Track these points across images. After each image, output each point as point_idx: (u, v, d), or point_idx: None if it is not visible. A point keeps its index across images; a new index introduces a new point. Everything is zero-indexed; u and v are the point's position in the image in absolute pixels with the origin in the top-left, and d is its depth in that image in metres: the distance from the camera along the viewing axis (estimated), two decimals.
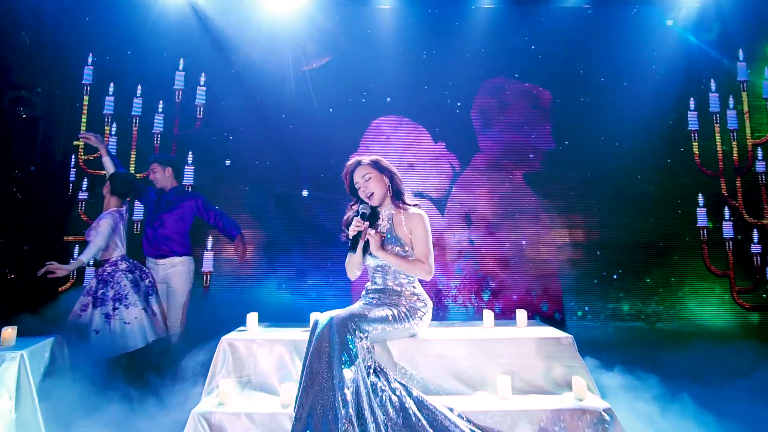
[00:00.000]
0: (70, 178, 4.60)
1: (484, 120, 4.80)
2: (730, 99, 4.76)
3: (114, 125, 4.67)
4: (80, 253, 3.30)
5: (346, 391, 1.68)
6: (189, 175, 4.61)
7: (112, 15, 4.70)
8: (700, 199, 4.59)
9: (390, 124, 4.81)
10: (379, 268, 2.25)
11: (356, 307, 2.09)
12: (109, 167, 3.50)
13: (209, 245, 4.52)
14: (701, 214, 4.57)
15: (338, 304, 4.38)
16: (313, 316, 2.01)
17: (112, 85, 4.68)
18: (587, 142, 4.69)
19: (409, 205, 2.32)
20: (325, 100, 4.76)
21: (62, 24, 4.59)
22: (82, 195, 4.53)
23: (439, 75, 4.82)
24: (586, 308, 4.50)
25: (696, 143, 4.71)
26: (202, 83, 4.79)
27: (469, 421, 1.84)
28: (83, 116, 4.70)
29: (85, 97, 4.70)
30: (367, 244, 2.19)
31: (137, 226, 4.52)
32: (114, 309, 2.94)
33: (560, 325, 4.42)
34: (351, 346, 1.79)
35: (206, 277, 4.48)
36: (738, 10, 4.72)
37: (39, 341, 2.18)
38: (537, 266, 4.56)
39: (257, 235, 4.66)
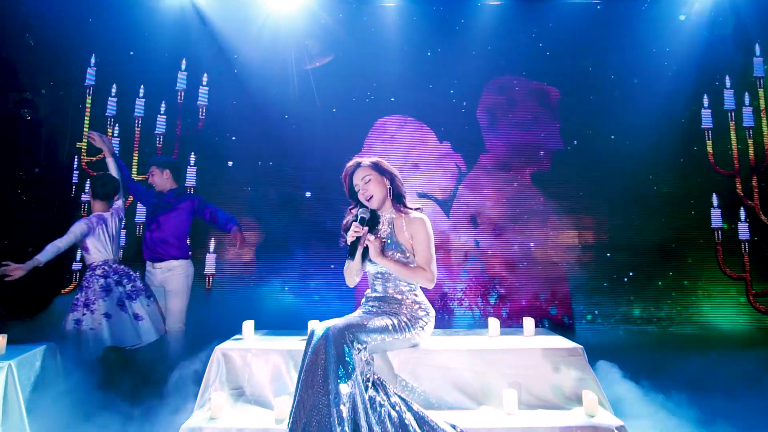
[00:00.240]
0: (73, 180, 4.58)
1: (491, 119, 4.70)
2: (746, 95, 4.60)
3: (117, 127, 4.64)
4: (81, 255, 3.31)
5: (342, 407, 1.60)
6: (191, 177, 4.58)
7: (114, 16, 4.68)
8: (715, 200, 4.45)
9: (394, 123, 4.73)
10: (379, 275, 2.17)
11: (355, 316, 2.01)
12: (113, 168, 3.47)
13: (212, 247, 4.48)
14: (716, 214, 4.43)
15: (341, 306, 4.37)
16: (311, 325, 1.94)
17: (114, 86, 4.65)
18: (597, 141, 4.57)
19: (411, 209, 2.23)
20: (328, 100, 4.69)
21: (66, 26, 4.58)
22: (85, 197, 4.50)
23: (444, 73, 4.72)
24: (596, 312, 4.38)
25: (710, 141, 4.57)
26: (204, 83, 4.75)
27: None
28: (86, 118, 4.68)
29: (88, 99, 4.69)
30: (366, 250, 2.10)
31: (140, 228, 4.49)
32: (83, 314, 2.94)
33: (569, 329, 4.31)
34: (348, 358, 1.70)
35: (208, 280, 4.43)
36: (754, 4, 4.56)
37: (30, 349, 2.13)
38: (545, 269, 4.45)
39: (260, 236, 4.61)
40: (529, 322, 2.33)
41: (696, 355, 3.57)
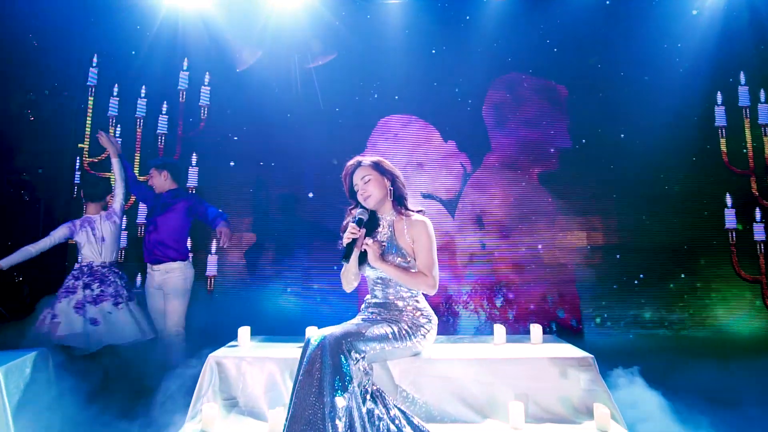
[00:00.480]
0: (75, 181, 4.55)
1: (497, 118, 4.60)
2: (762, 92, 4.45)
3: (118, 127, 4.61)
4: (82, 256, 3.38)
5: (338, 422, 1.52)
6: (193, 177, 4.54)
7: (116, 15, 4.64)
8: (729, 200, 4.31)
9: (398, 122, 4.65)
10: (379, 280, 2.09)
11: (353, 323, 1.93)
12: (117, 170, 3.45)
13: (213, 249, 4.43)
14: (730, 215, 4.29)
15: (344, 308, 4.30)
16: (308, 332, 1.86)
17: (116, 86, 4.62)
18: (606, 139, 4.44)
19: (413, 211, 2.14)
20: (331, 99, 4.63)
21: (69, 26, 4.56)
22: None
23: (449, 71, 4.63)
24: (605, 315, 4.27)
25: (724, 140, 4.43)
26: (206, 83, 4.70)
27: None
28: (88, 118, 4.65)
29: (90, 99, 4.66)
30: (364, 254, 2.02)
31: (141, 230, 4.46)
32: (47, 314, 3.02)
33: (577, 332, 4.21)
34: (345, 369, 1.62)
35: (210, 281, 4.38)
36: None
37: (20, 356, 2.06)
38: (553, 271, 4.35)
39: (262, 237, 4.57)
40: (536, 329, 2.24)
41: (709, 360, 3.47)
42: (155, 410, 2.04)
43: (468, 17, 4.67)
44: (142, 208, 4.44)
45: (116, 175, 3.50)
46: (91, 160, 4.57)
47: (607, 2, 4.61)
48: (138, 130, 4.63)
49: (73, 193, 4.55)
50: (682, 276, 4.28)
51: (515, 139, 4.55)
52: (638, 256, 4.29)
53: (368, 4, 4.69)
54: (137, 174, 4.50)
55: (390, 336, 1.87)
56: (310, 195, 4.57)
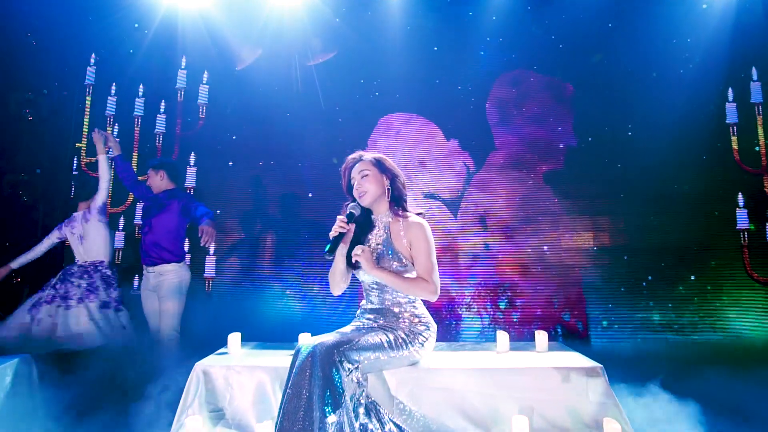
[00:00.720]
0: (73, 181, 4.51)
1: (501, 116, 4.50)
2: None
3: (116, 126, 4.56)
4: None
5: None
6: (191, 177, 4.47)
7: (114, 13, 4.58)
8: (740, 199, 4.17)
9: (399, 121, 4.56)
10: (374, 285, 1.99)
11: (347, 331, 1.83)
12: (103, 167, 3.42)
13: (211, 249, 4.36)
14: (741, 215, 4.14)
15: (344, 311, 4.21)
16: (301, 339, 1.77)
17: (114, 85, 4.57)
18: (613, 137, 4.32)
19: (410, 213, 2.05)
20: (331, 98, 4.55)
21: (68, 25, 4.52)
22: None
23: (451, 69, 4.53)
24: (612, 318, 4.16)
25: (735, 137, 4.29)
26: (204, 81, 4.63)
27: None
28: (85, 117, 4.61)
29: (88, 98, 4.61)
30: (350, 259, 1.93)
31: (138, 230, 4.40)
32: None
33: (583, 336, 4.10)
34: (337, 382, 1.53)
35: (208, 283, 4.32)
36: None
37: (1, 363, 1.98)
38: (558, 272, 4.24)
39: (261, 238, 4.50)
40: (541, 336, 2.13)
41: (721, 366, 3.34)
42: (140, 422, 1.95)
43: (471, 13, 4.57)
44: (141, 209, 4.38)
45: (101, 173, 3.48)
46: (88, 159, 4.52)
47: None
48: (136, 129, 4.59)
49: (71, 194, 4.51)
50: (692, 278, 4.16)
51: (519, 138, 4.45)
52: (646, 257, 4.17)
53: (369, 1, 4.60)
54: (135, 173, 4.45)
55: (385, 345, 1.77)
56: (310, 195, 4.50)
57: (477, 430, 1.76)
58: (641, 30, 4.39)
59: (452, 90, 4.53)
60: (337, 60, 4.61)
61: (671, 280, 4.16)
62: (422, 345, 1.90)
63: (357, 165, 2.05)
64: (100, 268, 3.32)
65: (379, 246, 1.97)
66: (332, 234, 1.87)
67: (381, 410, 1.66)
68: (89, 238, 3.35)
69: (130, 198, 4.49)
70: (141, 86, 4.58)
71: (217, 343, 2.35)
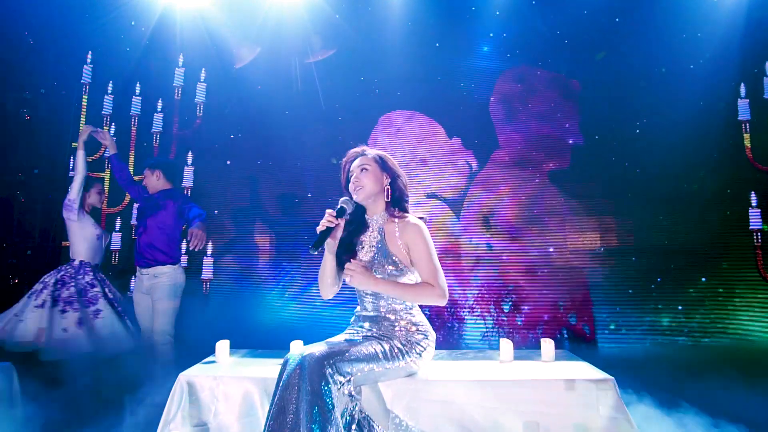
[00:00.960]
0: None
1: (505, 113, 4.39)
2: None
3: (113, 125, 4.51)
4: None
5: None
6: (188, 177, 4.41)
7: (109, 11, 4.52)
8: (753, 198, 4.05)
9: (400, 119, 4.46)
10: (369, 291, 1.88)
11: (339, 340, 1.73)
12: (79, 163, 3.39)
13: (209, 251, 4.28)
14: (754, 214, 4.02)
15: (345, 313, 4.12)
16: (292, 347, 1.67)
17: (110, 83, 4.51)
18: (620, 135, 4.21)
19: (408, 215, 1.94)
20: (331, 96, 4.47)
21: (64, 23, 4.47)
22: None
23: (454, 65, 4.44)
24: (620, 321, 4.05)
25: (747, 134, 4.16)
26: (202, 80, 4.56)
27: None
28: (82, 117, 4.55)
29: (84, 97, 4.56)
30: (341, 260, 1.83)
31: (134, 231, 4.34)
32: None
33: (590, 339, 3.99)
34: (326, 398, 1.42)
35: (205, 285, 4.25)
36: None
37: None
38: (564, 274, 4.13)
39: (259, 238, 4.43)
40: (547, 345, 2.02)
41: (733, 371, 3.23)
42: None
43: (473, 8, 4.47)
44: (136, 209, 4.32)
45: (77, 168, 3.43)
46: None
47: None
48: (133, 128, 4.53)
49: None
50: (703, 280, 4.04)
51: (524, 136, 4.35)
52: (655, 258, 4.06)
53: None
54: (132, 173, 4.39)
55: (380, 355, 1.66)
56: (309, 195, 4.42)
57: None
58: (650, 25, 4.27)
59: (455, 87, 4.44)
60: (336, 57, 4.52)
61: (681, 282, 4.04)
62: (420, 355, 1.79)
63: (358, 159, 1.96)
64: (87, 269, 3.25)
65: (373, 249, 1.87)
66: (319, 228, 1.77)
67: (375, 426, 1.56)
68: (69, 235, 3.34)
69: (127, 198, 4.43)
70: (138, 84, 4.52)
71: (212, 348, 2.27)
